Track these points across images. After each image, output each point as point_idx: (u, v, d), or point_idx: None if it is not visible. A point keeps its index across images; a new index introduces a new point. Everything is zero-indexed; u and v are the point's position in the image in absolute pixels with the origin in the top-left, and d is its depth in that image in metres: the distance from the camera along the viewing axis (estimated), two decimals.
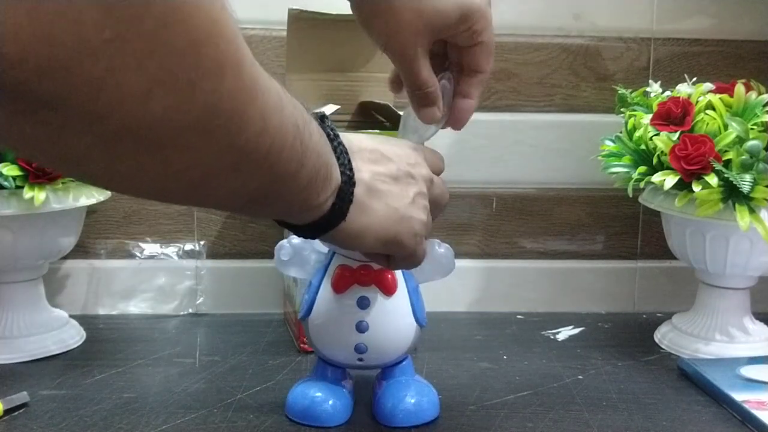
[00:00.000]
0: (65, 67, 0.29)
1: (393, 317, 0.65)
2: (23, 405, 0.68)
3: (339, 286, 0.64)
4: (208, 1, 0.33)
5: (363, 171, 0.51)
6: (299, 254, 0.67)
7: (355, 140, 0.53)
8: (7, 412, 0.67)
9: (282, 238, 0.69)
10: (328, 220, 0.49)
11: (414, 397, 0.67)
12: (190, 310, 0.96)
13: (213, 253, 0.97)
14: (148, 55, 0.30)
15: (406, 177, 0.54)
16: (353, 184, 0.50)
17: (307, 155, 0.44)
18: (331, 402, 0.66)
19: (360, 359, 0.66)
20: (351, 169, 0.50)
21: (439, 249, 0.67)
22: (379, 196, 0.52)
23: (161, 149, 0.34)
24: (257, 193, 0.43)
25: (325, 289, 0.65)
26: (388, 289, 0.64)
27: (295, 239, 0.67)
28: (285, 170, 0.42)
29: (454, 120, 0.61)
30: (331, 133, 0.49)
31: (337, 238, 0.51)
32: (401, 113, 0.63)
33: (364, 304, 0.64)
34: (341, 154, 0.49)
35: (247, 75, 0.37)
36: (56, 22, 0.28)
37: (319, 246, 0.66)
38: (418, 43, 0.56)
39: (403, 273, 0.66)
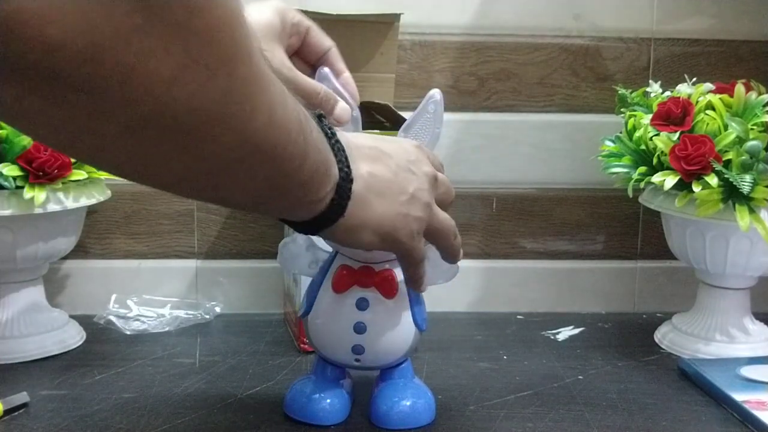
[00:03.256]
0: (101, 52, 0.29)
1: (392, 320, 0.65)
2: (23, 405, 0.68)
3: (339, 286, 0.64)
4: None
5: (361, 168, 0.52)
6: (302, 252, 0.67)
7: (353, 138, 0.54)
8: (7, 412, 0.67)
9: (282, 239, 0.69)
10: (327, 216, 0.50)
11: (410, 399, 0.66)
12: (191, 310, 0.96)
13: (213, 253, 0.97)
14: (175, 41, 0.31)
15: (405, 173, 0.55)
16: (351, 181, 0.50)
17: (309, 151, 0.45)
18: (328, 401, 0.66)
19: (357, 360, 0.65)
20: (348, 166, 0.50)
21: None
22: (377, 192, 0.52)
23: (182, 136, 0.35)
24: (264, 188, 0.44)
25: (326, 289, 0.65)
26: (388, 292, 0.64)
27: (300, 237, 0.67)
28: (290, 165, 0.43)
29: (351, 95, 0.66)
30: (329, 131, 0.50)
31: (336, 234, 0.52)
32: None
33: (362, 305, 0.64)
34: (339, 151, 0.50)
35: (256, 64, 0.38)
36: (94, 8, 0.28)
37: (323, 244, 0.66)
38: (284, 60, 0.61)
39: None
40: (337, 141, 0.50)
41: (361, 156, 0.53)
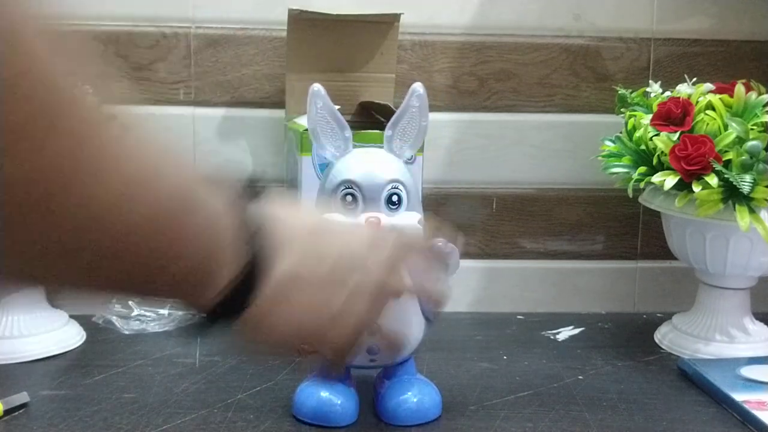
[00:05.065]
0: None
1: (404, 316, 0.65)
2: (23, 405, 0.68)
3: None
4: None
5: (282, 265, 0.43)
6: None
7: (292, 227, 0.45)
8: (7, 412, 0.67)
9: None
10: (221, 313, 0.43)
11: (417, 396, 0.67)
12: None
13: None
14: None
15: (338, 282, 0.47)
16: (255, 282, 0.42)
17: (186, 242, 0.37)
18: (339, 402, 0.66)
19: (372, 360, 0.66)
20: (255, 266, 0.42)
21: (445, 249, 0.67)
22: (294, 296, 0.45)
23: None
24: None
25: None
26: None
27: None
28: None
29: None
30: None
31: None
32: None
33: None
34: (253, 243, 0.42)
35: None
36: None
37: None
38: None
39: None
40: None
41: (290, 251, 0.44)
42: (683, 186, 0.76)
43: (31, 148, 0.29)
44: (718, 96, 0.79)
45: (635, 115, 0.83)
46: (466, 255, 0.98)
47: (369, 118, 0.87)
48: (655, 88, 0.87)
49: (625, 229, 1.00)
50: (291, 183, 0.85)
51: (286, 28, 0.85)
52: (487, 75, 0.97)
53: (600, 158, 0.85)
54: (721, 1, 0.97)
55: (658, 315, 0.96)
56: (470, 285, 0.99)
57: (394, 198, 0.64)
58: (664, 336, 0.87)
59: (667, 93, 0.85)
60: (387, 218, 0.63)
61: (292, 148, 0.83)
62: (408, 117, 0.65)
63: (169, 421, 0.66)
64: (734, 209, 0.74)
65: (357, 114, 0.89)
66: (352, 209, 0.64)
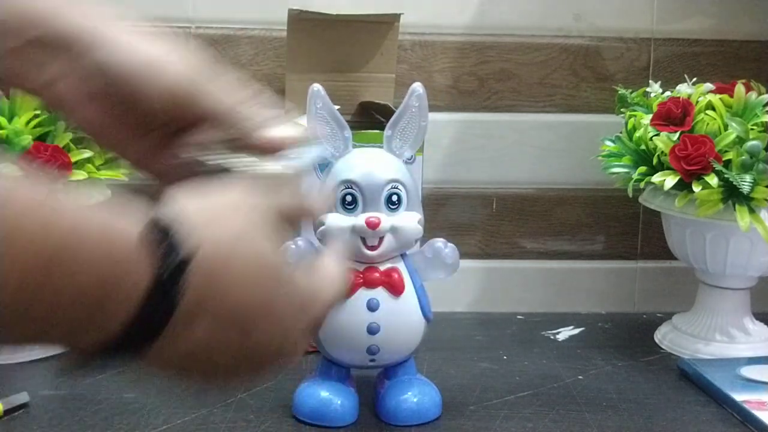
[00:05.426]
0: None
1: (403, 316, 0.66)
2: (23, 405, 0.68)
3: (347, 290, 0.64)
4: None
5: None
6: (305, 257, 0.67)
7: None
8: (7, 412, 0.67)
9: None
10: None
11: (417, 396, 0.67)
12: None
13: None
14: None
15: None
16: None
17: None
18: (339, 402, 0.66)
19: (372, 360, 0.66)
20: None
21: (445, 248, 0.68)
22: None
23: None
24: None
25: None
26: (397, 290, 0.65)
27: (301, 241, 0.67)
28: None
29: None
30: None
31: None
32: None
33: (373, 305, 0.64)
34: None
35: None
36: None
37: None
38: None
39: (409, 271, 0.66)
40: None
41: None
42: (683, 186, 0.76)
43: None
44: (718, 96, 0.79)
45: (635, 115, 0.83)
46: (466, 255, 0.98)
47: (369, 118, 0.87)
48: (655, 88, 0.87)
49: (625, 229, 1.00)
50: None
51: (286, 28, 0.85)
52: (487, 75, 0.97)
53: (600, 158, 0.85)
54: (721, 1, 0.97)
55: (658, 315, 0.96)
56: (470, 285, 0.99)
57: (394, 198, 0.64)
58: (664, 336, 0.87)
59: (667, 93, 0.85)
60: (387, 218, 0.63)
61: None
62: (408, 117, 0.65)
63: (169, 421, 0.66)
64: (734, 209, 0.74)
65: (357, 114, 0.89)
66: (351, 209, 0.64)
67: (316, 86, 0.65)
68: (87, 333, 0.32)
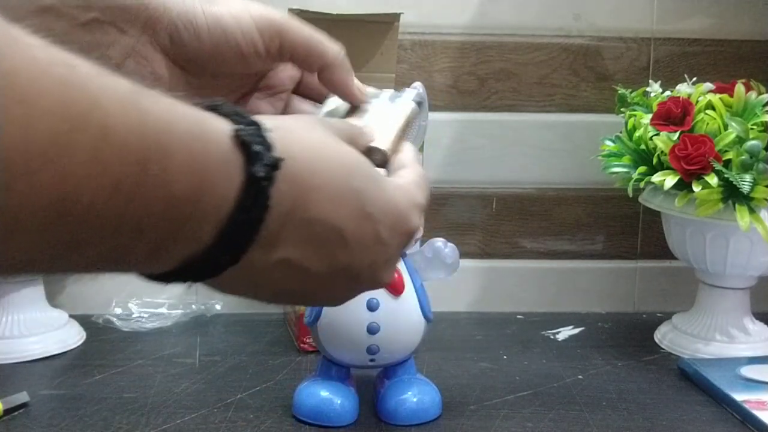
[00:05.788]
0: None
1: (403, 316, 0.66)
2: (23, 405, 0.68)
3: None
4: None
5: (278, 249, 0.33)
6: None
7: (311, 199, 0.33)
8: (7, 412, 0.67)
9: None
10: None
11: (417, 395, 0.67)
12: (191, 310, 0.96)
13: None
14: None
15: (354, 276, 0.37)
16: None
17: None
18: (339, 401, 0.66)
19: (372, 360, 0.66)
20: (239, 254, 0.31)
21: (445, 248, 0.68)
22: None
23: None
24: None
25: None
26: (397, 289, 0.65)
27: None
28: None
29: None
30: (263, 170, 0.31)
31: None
32: None
33: (373, 305, 0.64)
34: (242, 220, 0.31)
35: None
36: None
37: None
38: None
39: (409, 271, 0.66)
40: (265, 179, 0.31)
41: (295, 234, 0.33)
42: (683, 186, 0.76)
43: None
44: (718, 96, 0.79)
45: (635, 115, 0.83)
46: (466, 255, 0.99)
47: None
48: (655, 87, 0.87)
49: (625, 228, 1.00)
50: None
51: None
52: (487, 75, 0.97)
53: (600, 158, 0.85)
54: (721, 1, 0.97)
55: (658, 315, 0.96)
56: (470, 285, 0.99)
57: None
58: (664, 336, 0.87)
59: (667, 93, 0.85)
60: None
61: None
62: None
63: (169, 421, 0.66)
64: (734, 209, 0.74)
65: None
66: None
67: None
68: (177, 247, 0.30)
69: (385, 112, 0.46)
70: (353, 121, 0.44)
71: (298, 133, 0.34)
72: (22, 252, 0.26)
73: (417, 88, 0.65)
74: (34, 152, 0.23)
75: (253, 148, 0.30)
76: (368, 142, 0.41)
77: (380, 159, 0.40)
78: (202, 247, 0.30)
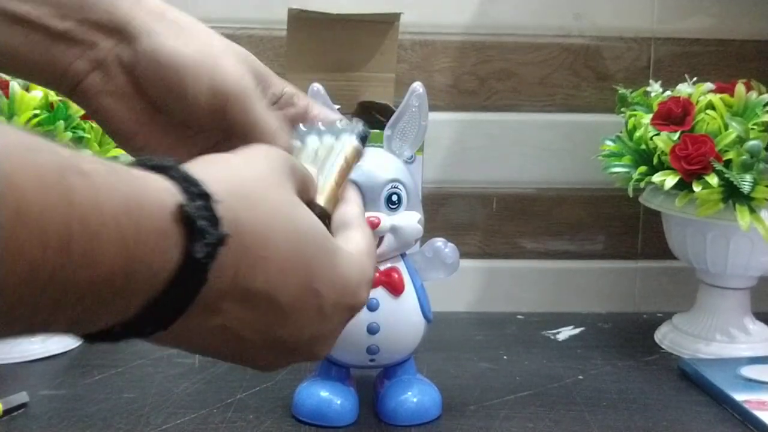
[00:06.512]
0: None
1: (402, 316, 0.66)
2: (23, 405, 0.68)
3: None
4: None
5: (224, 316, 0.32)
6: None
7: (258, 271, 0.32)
8: (6, 412, 0.67)
9: None
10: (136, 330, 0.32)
11: (417, 396, 0.67)
12: None
13: None
14: None
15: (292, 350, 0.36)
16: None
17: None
18: (339, 402, 0.66)
19: (372, 360, 0.66)
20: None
21: (445, 248, 0.68)
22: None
23: None
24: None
25: None
26: (397, 290, 0.65)
27: None
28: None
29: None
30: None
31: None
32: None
33: (373, 305, 0.64)
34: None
35: None
36: None
37: None
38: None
39: (408, 271, 0.66)
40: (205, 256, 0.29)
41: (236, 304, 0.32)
42: (683, 186, 0.76)
43: None
44: (718, 95, 0.79)
45: (635, 115, 0.83)
46: (465, 255, 0.98)
47: (369, 118, 0.87)
48: (655, 87, 0.87)
49: (625, 229, 1.00)
50: None
51: (285, 27, 0.85)
52: (488, 75, 0.97)
53: (600, 158, 0.85)
54: (722, 1, 0.97)
55: (659, 315, 0.96)
56: (470, 285, 0.99)
57: (394, 198, 0.64)
58: (665, 336, 0.87)
59: (668, 92, 0.85)
60: (387, 218, 0.63)
61: None
62: (408, 117, 0.65)
63: (168, 421, 0.66)
64: (734, 209, 0.73)
65: (357, 114, 0.89)
66: None
67: (316, 86, 0.65)
68: (101, 318, 0.29)
69: (327, 153, 0.43)
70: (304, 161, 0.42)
71: (253, 199, 0.32)
72: None
73: (416, 89, 0.65)
74: None
75: (197, 224, 0.28)
76: (314, 194, 0.39)
77: (318, 213, 0.37)
78: (128, 318, 0.29)
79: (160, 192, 0.28)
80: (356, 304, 0.37)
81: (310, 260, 0.34)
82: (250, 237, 0.31)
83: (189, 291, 0.30)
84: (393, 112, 0.79)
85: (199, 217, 0.29)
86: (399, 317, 0.65)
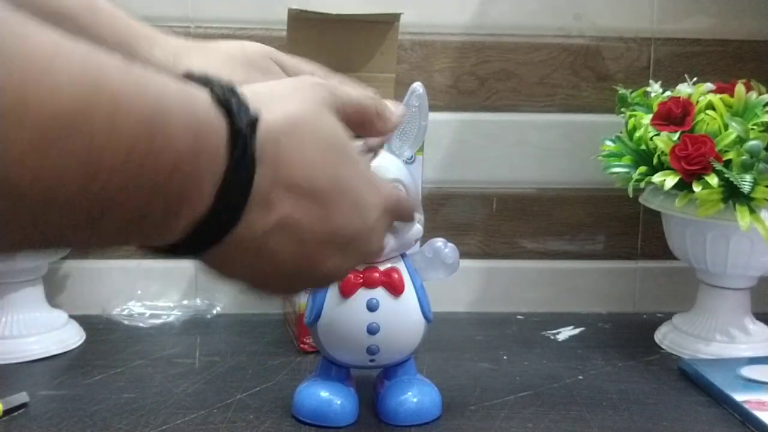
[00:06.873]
0: None
1: (402, 316, 0.66)
2: (23, 405, 0.68)
3: (346, 290, 0.64)
4: None
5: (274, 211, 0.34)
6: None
7: (292, 166, 0.35)
8: (6, 412, 0.67)
9: None
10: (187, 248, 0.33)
11: (417, 396, 0.67)
12: (191, 310, 0.96)
13: None
14: None
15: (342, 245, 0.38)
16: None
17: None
18: (339, 402, 0.66)
19: (372, 360, 0.66)
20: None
21: (445, 248, 0.68)
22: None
23: None
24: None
25: (333, 294, 0.65)
26: (397, 289, 0.65)
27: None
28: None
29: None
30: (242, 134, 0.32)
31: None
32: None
33: (373, 305, 0.64)
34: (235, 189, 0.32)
35: None
36: None
37: None
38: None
39: (409, 271, 0.66)
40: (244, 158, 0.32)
41: (284, 193, 0.35)
42: (683, 186, 0.76)
43: None
44: (718, 96, 0.79)
45: (635, 115, 0.83)
46: (465, 255, 0.98)
47: None
48: (655, 87, 0.87)
49: (625, 229, 1.00)
50: None
51: (285, 27, 0.85)
52: (487, 75, 0.97)
53: (600, 158, 0.85)
54: (722, 1, 0.97)
55: (659, 315, 0.96)
56: (470, 285, 0.99)
57: None
58: (665, 336, 0.87)
59: (668, 93, 0.85)
60: None
61: None
62: (408, 117, 0.65)
63: (168, 421, 0.66)
64: (734, 209, 0.73)
65: None
66: None
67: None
68: (184, 206, 0.31)
69: None
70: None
71: (279, 99, 0.36)
72: (53, 226, 0.27)
73: (417, 89, 0.65)
74: (62, 120, 0.25)
75: (231, 106, 0.32)
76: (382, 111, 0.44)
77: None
78: (205, 209, 0.32)
79: (194, 84, 0.32)
80: (384, 202, 0.40)
81: (337, 158, 0.37)
82: (281, 129, 0.34)
83: (245, 166, 0.32)
84: None
85: (231, 101, 0.32)
86: (399, 317, 0.66)
